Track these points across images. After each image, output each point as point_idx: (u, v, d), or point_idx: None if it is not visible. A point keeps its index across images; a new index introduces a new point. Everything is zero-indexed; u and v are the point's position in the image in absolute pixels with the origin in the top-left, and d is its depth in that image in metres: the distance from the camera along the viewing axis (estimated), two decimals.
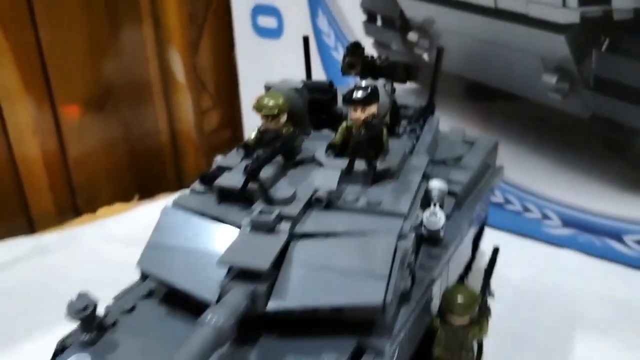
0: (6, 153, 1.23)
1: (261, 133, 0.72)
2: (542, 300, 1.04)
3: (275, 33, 1.35)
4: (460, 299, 0.70)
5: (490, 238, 1.17)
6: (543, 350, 0.91)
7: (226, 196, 0.63)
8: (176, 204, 0.65)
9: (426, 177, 0.74)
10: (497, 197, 1.25)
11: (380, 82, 0.78)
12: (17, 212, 1.27)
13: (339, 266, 0.53)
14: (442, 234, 0.72)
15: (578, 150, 1.15)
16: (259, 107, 0.71)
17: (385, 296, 0.52)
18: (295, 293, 0.52)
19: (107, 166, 1.38)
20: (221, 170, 0.69)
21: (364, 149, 0.65)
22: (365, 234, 0.57)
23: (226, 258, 0.53)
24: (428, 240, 0.72)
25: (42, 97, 1.23)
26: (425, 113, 0.89)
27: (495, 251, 0.80)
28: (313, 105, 0.78)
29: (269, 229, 0.55)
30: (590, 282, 1.09)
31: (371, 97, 0.67)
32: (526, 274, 1.11)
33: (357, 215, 0.60)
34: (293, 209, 0.57)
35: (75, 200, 1.35)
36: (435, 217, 0.71)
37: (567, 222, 1.19)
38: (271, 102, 0.71)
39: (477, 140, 0.95)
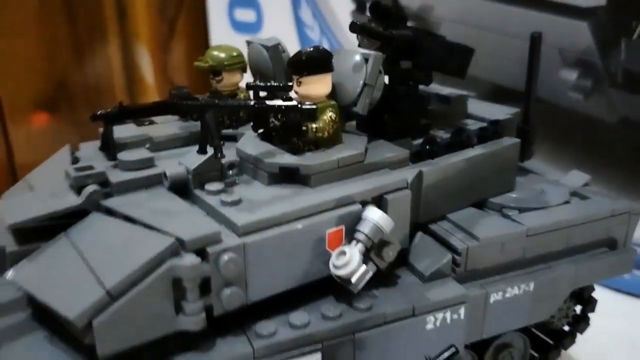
0: None
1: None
2: None
3: (253, 27, 1.19)
4: None
5: None
6: None
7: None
8: None
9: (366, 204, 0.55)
10: None
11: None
12: None
13: (94, 256, 0.48)
14: (356, 285, 0.53)
15: (603, 162, 0.95)
16: (200, 60, 0.63)
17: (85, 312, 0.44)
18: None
19: None
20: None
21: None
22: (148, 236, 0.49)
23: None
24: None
25: None
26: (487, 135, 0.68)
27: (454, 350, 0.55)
28: None
29: (77, 187, 0.55)
30: None
31: (315, 63, 0.55)
32: None
33: (179, 211, 0.52)
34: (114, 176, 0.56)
35: None
36: (342, 259, 0.52)
37: None
38: (215, 54, 0.63)
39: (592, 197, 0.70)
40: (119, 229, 0.51)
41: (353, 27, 0.64)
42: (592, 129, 0.94)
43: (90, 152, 0.64)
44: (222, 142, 0.53)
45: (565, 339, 0.72)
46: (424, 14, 1.02)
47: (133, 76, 1.27)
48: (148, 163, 0.58)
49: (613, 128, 0.92)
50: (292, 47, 0.66)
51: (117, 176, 0.56)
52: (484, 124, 0.70)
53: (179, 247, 0.47)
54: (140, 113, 0.61)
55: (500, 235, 0.61)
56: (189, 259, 0.46)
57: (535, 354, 0.73)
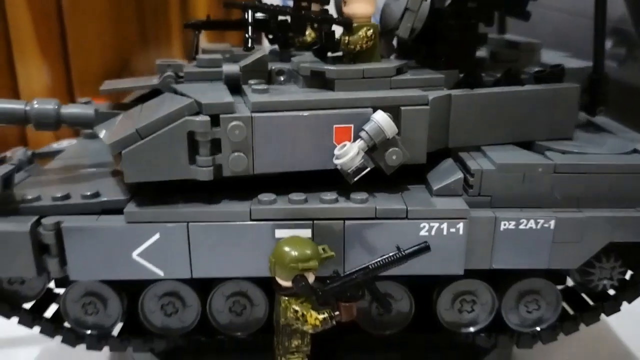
0: None
1: None
2: None
3: None
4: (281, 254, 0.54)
5: None
6: None
7: None
8: None
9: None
10: None
11: None
12: None
13: (144, 114, 0.61)
14: (352, 175, 0.57)
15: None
16: None
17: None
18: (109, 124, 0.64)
19: None
20: None
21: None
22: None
23: None
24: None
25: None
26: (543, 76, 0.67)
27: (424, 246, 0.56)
28: None
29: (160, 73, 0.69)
30: None
31: None
32: None
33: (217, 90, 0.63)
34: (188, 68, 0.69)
35: None
36: (342, 150, 0.57)
37: None
38: None
39: None
40: (169, 98, 0.63)
41: None
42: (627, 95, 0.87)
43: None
44: (254, 36, 0.63)
45: (606, 303, 0.68)
46: None
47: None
48: (216, 63, 0.69)
49: None
50: None
51: (190, 69, 0.69)
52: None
53: (196, 108, 0.57)
54: (219, 25, 0.73)
55: (520, 164, 0.61)
56: (202, 117, 0.56)
57: (573, 313, 0.70)
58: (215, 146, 0.58)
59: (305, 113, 0.59)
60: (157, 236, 0.59)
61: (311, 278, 0.54)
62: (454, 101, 0.63)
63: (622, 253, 0.65)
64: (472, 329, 0.68)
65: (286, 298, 0.55)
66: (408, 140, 0.60)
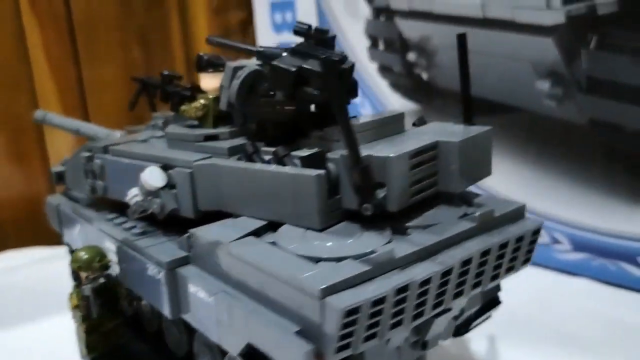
0: None
1: None
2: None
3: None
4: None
5: None
6: None
7: None
8: None
9: None
10: None
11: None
12: None
13: None
14: (132, 214, 0.66)
15: (580, 163, 1.04)
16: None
17: None
18: None
19: None
20: None
21: None
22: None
23: None
24: None
25: None
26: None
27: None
28: None
29: None
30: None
31: (199, 65, 0.74)
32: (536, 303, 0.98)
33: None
34: None
35: None
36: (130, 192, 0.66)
37: (578, 245, 1.06)
38: None
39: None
40: None
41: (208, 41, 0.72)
42: (568, 134, 1.04)
43: None
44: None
45: None
46: (422, 44, 1.19)
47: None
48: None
49: (585, 132, 1.02)
50: None
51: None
52: None
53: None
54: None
55: None
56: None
57: None
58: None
59: (126, 161, 0.73)
60: None
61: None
62: (196, 169, 0.64)
63: None
64: None
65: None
66: (179, 196, 0.65)
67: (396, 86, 1.26)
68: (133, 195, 0.65)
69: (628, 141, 0.97)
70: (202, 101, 0.72)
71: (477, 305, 0.65)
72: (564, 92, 1.03)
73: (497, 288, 0.68)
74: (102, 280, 0.75)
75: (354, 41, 1.30)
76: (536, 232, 0.60)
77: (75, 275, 0.75)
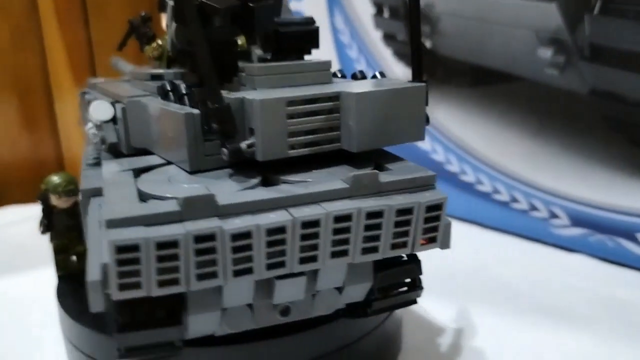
0: None
1: None
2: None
3: None
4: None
5: (494, 242, 1.07)
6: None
7: None
8: None
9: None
10: (503, 195, 1.12)
11: None
12: None
13: None
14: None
15: (581, 134, 1.00)
16: None
17: None
18: None
19: None
20: None
21: None
22: None
23: None
24: None
25: None
26: None
27: None
28: None
29: None
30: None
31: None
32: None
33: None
34: None
35: None
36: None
37: (576, 220, 1.02)
38: None
39: None
40: None
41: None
42: (568, 102, 1.00)
43: None
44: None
45: None
46: (426, 11, 1.16)
47: None
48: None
49: (585, 99, 0.98)
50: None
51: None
52: None
53: None
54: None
55: None
56: None
57: None
58: None
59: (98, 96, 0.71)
60: None
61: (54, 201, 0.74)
62: (130, 106, 0.62)
63: None
64: None
65: None
66: (119, 131, 0.63)
67: (400, 55, 1.24)
68: (89, 127, 0.66)
69: (630, 112, 0.93)
70: (158, 41, 0.74)
71: (365, 282, 0.55)
72: (566, 60, 0.99)
73: (412, 271, 0.58)
74: (72, 202, 0.75)
75: (360, 9, 1.27)
76: (434, 208, 0.50)
77: (43, 198, 0.76)
